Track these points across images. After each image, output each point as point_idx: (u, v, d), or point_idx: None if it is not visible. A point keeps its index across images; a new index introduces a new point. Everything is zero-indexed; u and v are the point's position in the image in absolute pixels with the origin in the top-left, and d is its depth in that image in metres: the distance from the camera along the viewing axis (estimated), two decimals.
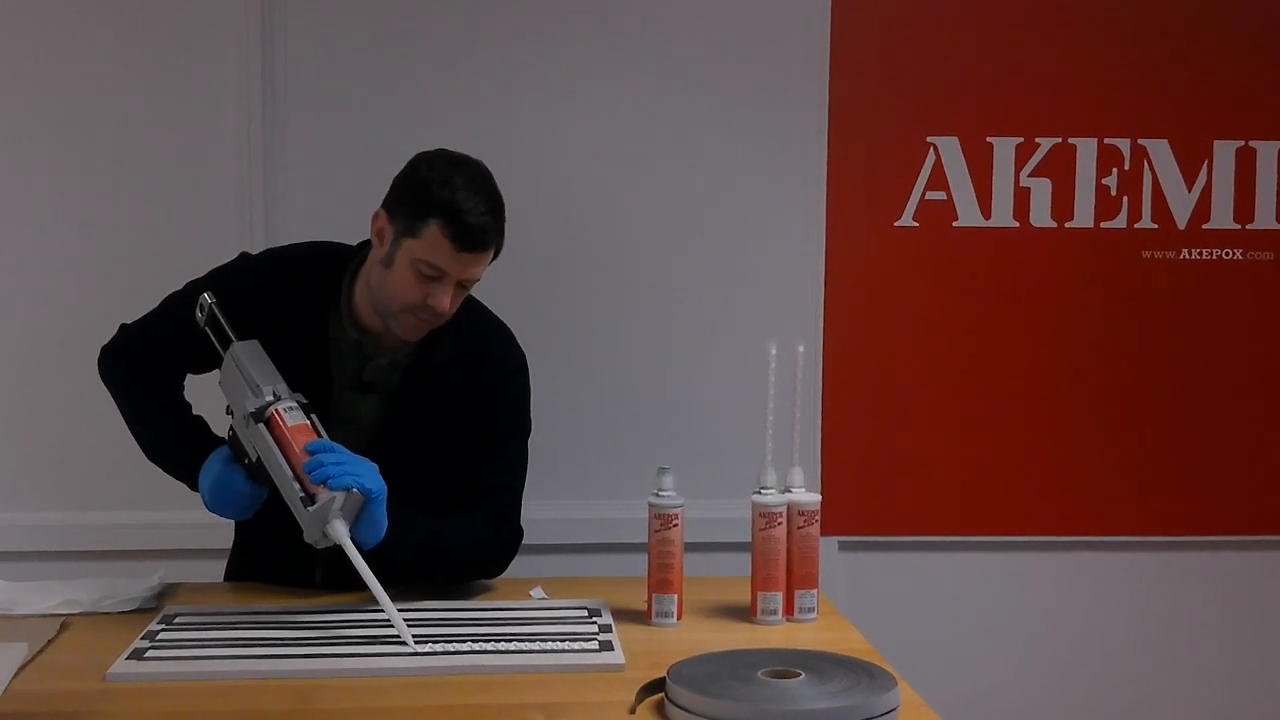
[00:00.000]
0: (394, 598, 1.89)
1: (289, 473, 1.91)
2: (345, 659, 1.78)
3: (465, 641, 1.85)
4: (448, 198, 1.98)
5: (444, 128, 2.74)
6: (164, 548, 2.65)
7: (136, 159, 2.76)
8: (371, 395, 2.14)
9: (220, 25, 2.75)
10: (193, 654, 1.80)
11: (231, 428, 2.01)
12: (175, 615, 2.00)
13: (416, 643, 1.82)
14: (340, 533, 1.88)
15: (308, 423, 1.96)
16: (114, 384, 2.22)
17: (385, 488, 1.93)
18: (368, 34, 2.79)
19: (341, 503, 1.88)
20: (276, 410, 1.94)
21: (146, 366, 2.20)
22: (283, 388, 1.97)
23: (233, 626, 1.93)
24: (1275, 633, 3.07)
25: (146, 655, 1.79)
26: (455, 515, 2.11)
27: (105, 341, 2.25)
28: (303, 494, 1.90)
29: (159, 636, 1.88)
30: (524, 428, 2.24)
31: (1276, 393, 3.00)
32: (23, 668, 1.75)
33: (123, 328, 2.24)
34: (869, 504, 2.95)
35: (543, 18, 2.83)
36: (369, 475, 1.92)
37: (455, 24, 2.81)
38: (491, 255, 2.06)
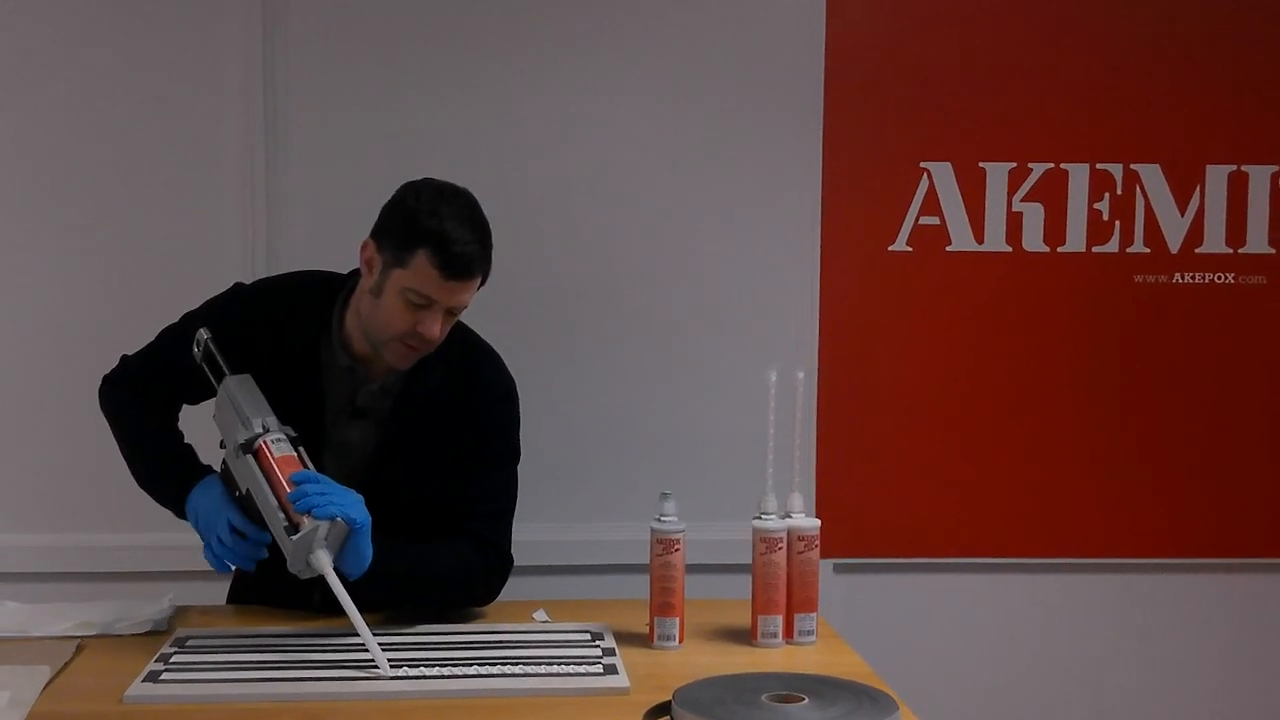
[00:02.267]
0: (398, 622, 1.92)
1: (274, 502, 1.95)
2: (356, 682, 1.82)
3: (472, 665, 1.89)
4: (435, 227, 2.01)
5: (445, 144, 2.81)
6: (170, 569, 2.66)
7: (140, 178, 2.80)
8: (364, 420, 2.18)
9: (223, 42, 2.79)
10: (206, 676, 1.85)
11: (224, 460, 2.05)
12: (187, 638, 2.04)
13: (425, 667, 1.87)
14: (323, 562, 1.91)
15: (295, 454, 1.99)
16: (111, 412, 2.27)
17: (370, 518, 1.96)
18: (368, 50, 2.82)
19: (326, 532, 1.92)
20: (264, 442, 1.98)
21: (143, 397, 2.25)
22: (272, 420, 2.01)
23: (243, 650, 1.97)
24: (1275, 654, 3.11)
25: (161, 678, 1.84)
26: (443, 543, 2.14)
27: (109, 368, 2.30)
28: (287, 523, 1.93)
29: (172, 659, 1.93)
30: (512, 454, 2.27)
31: (1269, 415, 3.04)
32: (43, 690, 1.79)
33: (123, 359, 2.29)
34: (864, 526, 2.98)
35: (539, 58, 2.86)
36: (354, 506, 1.95)
37: (455, 40, 2.84)
38: (479, 282, 2.10)
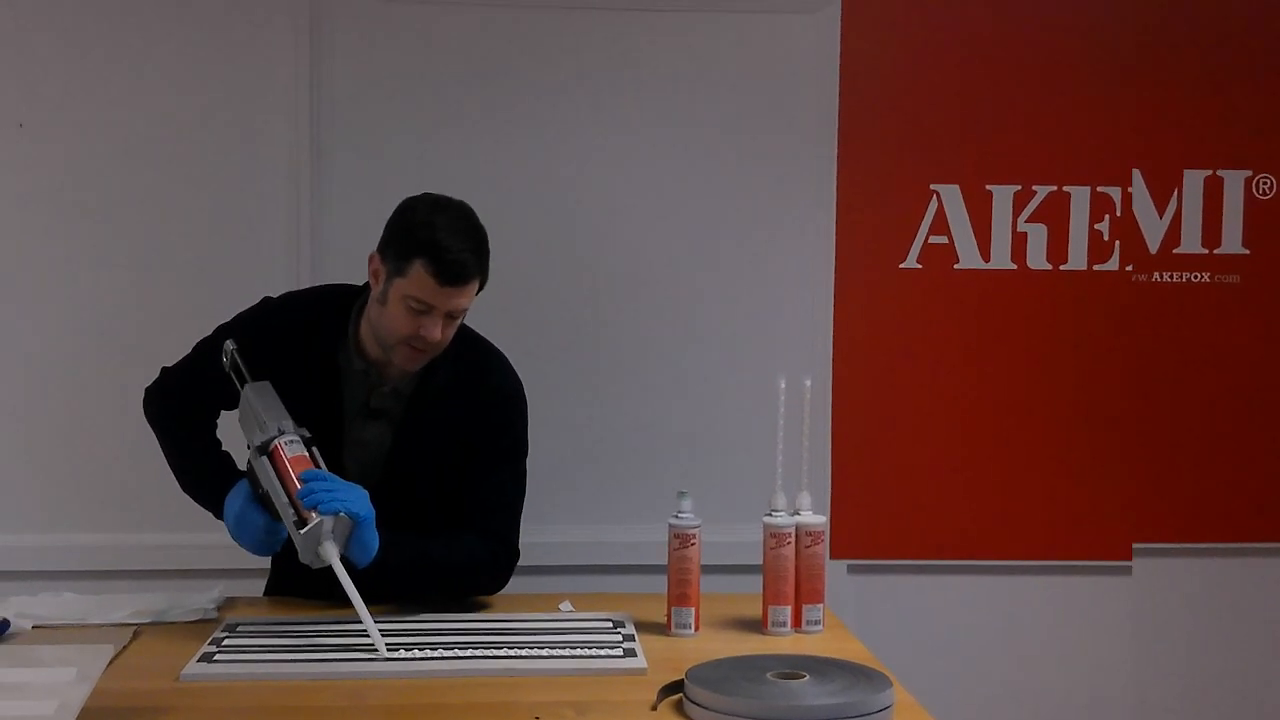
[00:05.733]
0: (433, 610, 2.08)
1: (285, 499, 2.09)
2: (394, 661, 1.96)
3: (503, 648, 2.03)
4: (429, 238, 2.16)
5: (475, 168, 2.98)
6: (214, 566, 2.78)
7: (190, 197, 2.97)
8: (379, 421, 2.33)
9: (270, 75, 2.96)
10: (256, 658, 1.99)
11: (249, 462, 2.19)
12: (237, 624, 2.19)
13: (460, 649, 2.01)
14: (330, 553, 2.05)
15: (307, 454, 2.13)
16: (154, 422, 2.43)
17: (373, 512, 2.11)
18: (407, 80, 3.00)
19: (331, 526, 2.06)
20: (279, 444, 2.12)
21: (181, 407, 2.40)
22: (288, 423, 2.15)
23: (290, 634, 2.12)
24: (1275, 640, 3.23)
25: (215, 659, 1.98)
26: (450, 536, 2.28)
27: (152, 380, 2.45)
28: (296, 519, 2.08)
29: (224, 642, 2.07)
30: (519, 452, 2.39)
31: (1247, 409, 3.17)
32: (105, 668, 1.94)
33: (163, 370, 2.44)
34: (878, 529, 3.12)
35: (568, 77, 3.03)
36: (357, 501, 2.09)
37: (487, 72, 3.01)
38: (477, 287, 2.24)
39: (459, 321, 2.27)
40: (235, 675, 1.92)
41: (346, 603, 2.03)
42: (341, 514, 2.06)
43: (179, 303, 2.92)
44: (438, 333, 2.20)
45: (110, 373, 2.93)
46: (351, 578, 2.06)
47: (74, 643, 2.05)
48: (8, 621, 2.13)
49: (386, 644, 2.01)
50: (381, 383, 2.31)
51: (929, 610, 3.16)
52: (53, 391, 2.97)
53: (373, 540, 2.12)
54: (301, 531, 2.06)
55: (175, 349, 2.43)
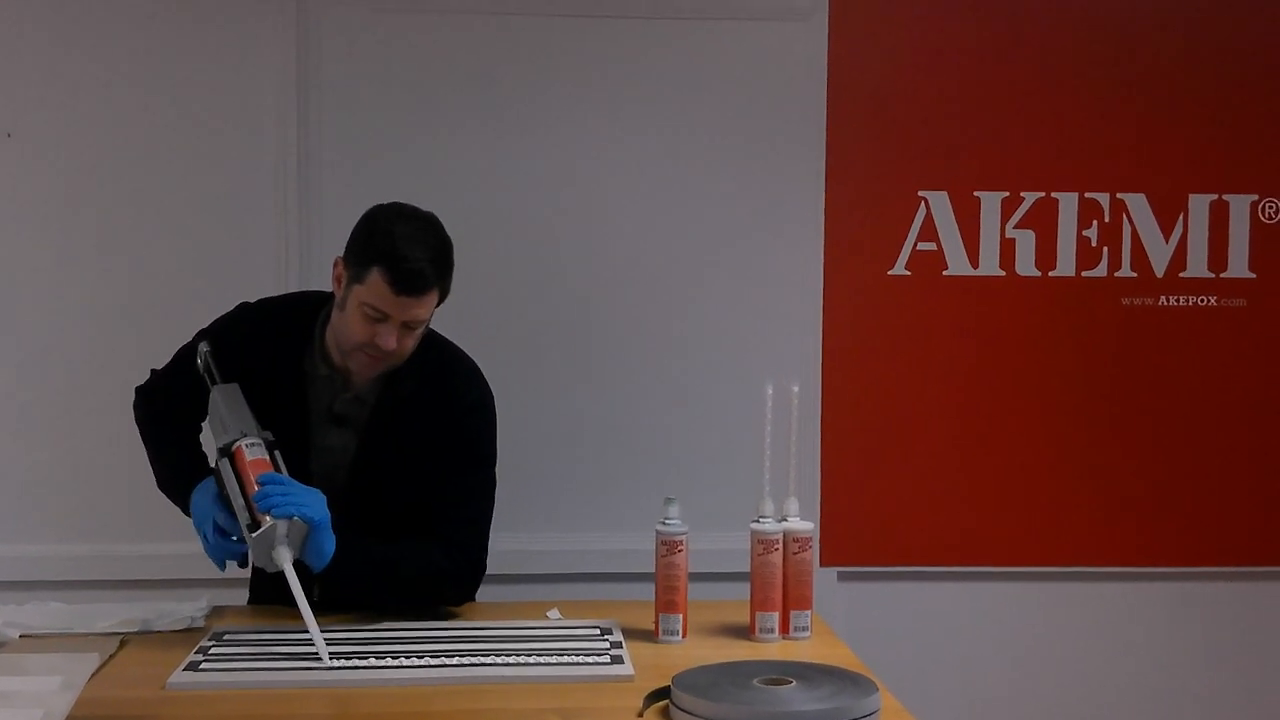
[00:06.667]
0: (419, 617, 2.09)
1: (242, 502, 2.09)
2: (380, 670, 1.96)
3: (490, 655, 2.03)
4: (387, 247, 2.15)
5: (464, 169, 2.99)
6: (199, 577, 2.77)
7: (177, 203, 2.97)
8: (344, 428, 2.32)
9: (257, 79, 2.96)
10: (242, 666, 1.99)
11: (215, 463, 2.19)
12: (224, 633, 2.18)
13: (446, 657, 2.00)
14: (283, 557, 2.05)
15: (267, 458, 2.13)
16: (138, 422, 2.45)
17: (328, 516, 2.10)
18: (396, 84, 2.99)
19: (285, 530, 2.05)
20: (240, 446, 2.12)
21: (164, 409, 2.41)
22: (250, 426, 2.16)
23: (276, 643, 2.11)
24: (1266, 660, 3.23)
25: (201, 667, 1.98)
26: (412, 545, 2.26)
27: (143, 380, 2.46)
28: (250, 521, 2.08)
29: (211, 651, 2.06)
30: (485, 462, 2.37)
31: (1251, 432, 3.17)
32: (91, 677, 1.93)
33: (152, 372, 2.45)
34: (868, 536, 3.12)
35: (555, 83, 3.03)
36: (313, 505, 2.09)
37: (474, 82, 3.00)
38: (436, 299, 2.22)
39: (419, 332, 2.25)
40: (221, 684, 1.91)
41: (334, 611, 2.03)
42: (295, 518, 2.06)
43: (168, 308, 2.89)
44: (393, 342, 2.19)
45: (98, 380, 2.92)
46: (312, 582, 2.05)
47: (60, 651, 2.04)
48: None
49: (374, 651, 2.01)
50: (345, 389, 2.31)
51: (920, 616, 3.16)
52: (41, 399, 2.97)
53: (328, 545, 2.11)
54: (253, 535, 2.06)
55: (164, 354, 2.43)
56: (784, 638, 2.19)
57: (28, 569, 2.92)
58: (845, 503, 3.10)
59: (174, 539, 2.76)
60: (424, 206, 2.28)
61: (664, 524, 2.19)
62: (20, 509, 2.97)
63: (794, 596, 2.19)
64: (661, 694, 1.81)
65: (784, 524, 2.21)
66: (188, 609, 2.30)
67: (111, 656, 2.06)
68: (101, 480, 2.96)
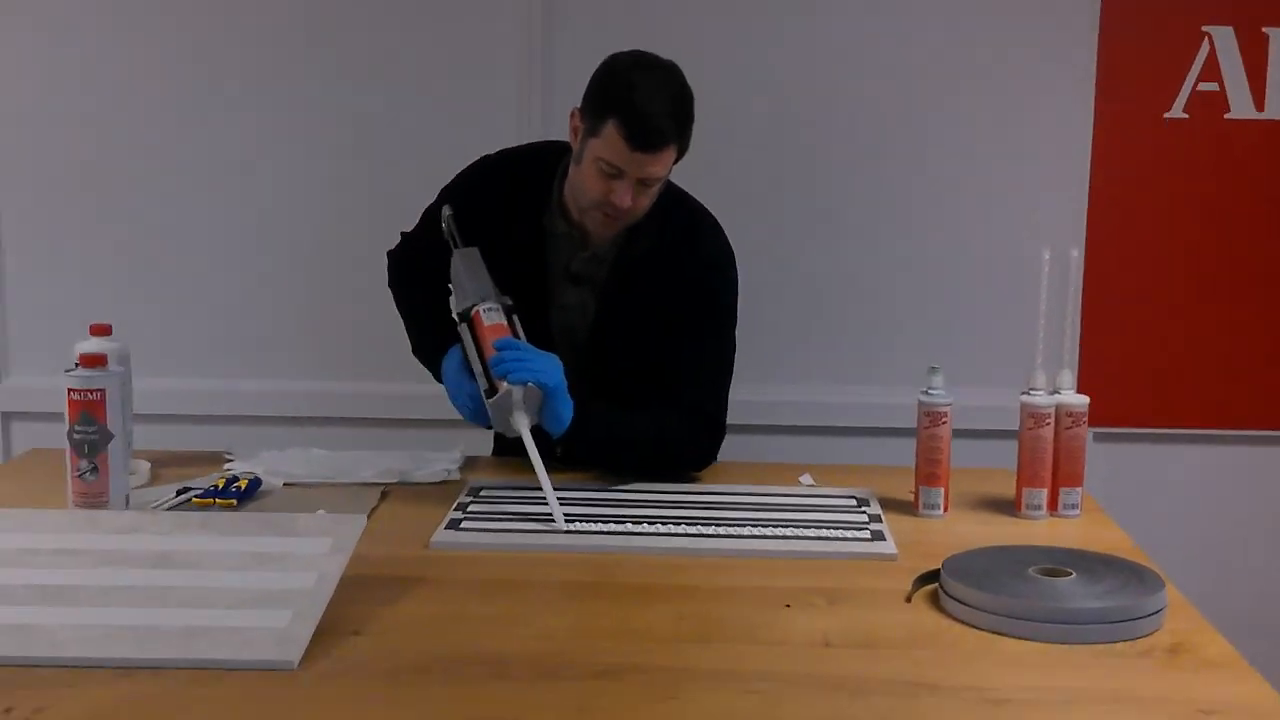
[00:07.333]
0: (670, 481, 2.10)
1: (480, 367, 2.09)
2: (641, 537, 1.94)
3: (745, 525, 1.99)
4: (624, 98, 2.06)
5: (710, 15, 2.89)
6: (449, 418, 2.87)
7: (422, 54, 2.97)
8: (582, 287, 2.27)
9: None
10: (502, 526, 1.99)
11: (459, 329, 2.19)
12: (480, 488, 2.20)
13: (703, 525, 1.98)
14: (520, 423, 2.05)
15: (505, 323, 2.11)
16: (391, 286, 2.46)
17: (564, 382, 2.07)
18: None
19: (521, 396, 2.04)
20: (478, 311, 2.11)
21: (411, 273, 2.41)
22: (489, 291, 2.13)
23: (533, 501, 2.09)
24: None
25: (462, 525, 1.99)
26: (650, 409, 2.21)
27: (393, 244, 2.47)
28: (487, 387, 2.08)
29: (469, 508, 2.08)
30: (725, 321, 2.29)
31: None
32: None
33: (401, 235, 2.45)
34: (1124, 396, 2.99)
35: None
36: (548, 371, 2.06)
37: None
38: (674, 155, 2.13)
39: (655, 190, 2.16)
40: (483, 545, 1.92)
41: (585, 469, 2.01)
42: (529, 384, 2.04)
43: (409, 162, 2.93)
44: (628, 199, 2.11)
45: (352, 232, 2.98)
46: (552, 445, 2.07)
47: (324, 501, 2.08)
48: (259, 479, 2.18)
49: (630, 516, 1.99)
50: (583, 248, 2.26)
51: (1174, 479, 3.05)
52: (301, 250, 3.05)
53: (565, 410, 2.08)
54: (489, 401, 2.06)
55: (409, 211, 2.43)
56: (1052, 515, 2.09)
57: (286, 404, 3.05)
58: (1105, 362, 2.97)
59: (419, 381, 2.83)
60: (665, 54, 2.18)
61: (927, 394, 2.09)
62: (279, 348, 3.09)
63: (1064, 473, 2.09)
64: (930, 577, 1.75)
65: (1056, 397, 2.09)
66: (443, 460, 2.33)
67: (374, 509, 2.09)
68: (364, 326, 2.99)
